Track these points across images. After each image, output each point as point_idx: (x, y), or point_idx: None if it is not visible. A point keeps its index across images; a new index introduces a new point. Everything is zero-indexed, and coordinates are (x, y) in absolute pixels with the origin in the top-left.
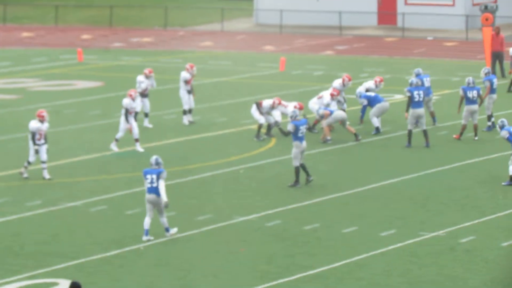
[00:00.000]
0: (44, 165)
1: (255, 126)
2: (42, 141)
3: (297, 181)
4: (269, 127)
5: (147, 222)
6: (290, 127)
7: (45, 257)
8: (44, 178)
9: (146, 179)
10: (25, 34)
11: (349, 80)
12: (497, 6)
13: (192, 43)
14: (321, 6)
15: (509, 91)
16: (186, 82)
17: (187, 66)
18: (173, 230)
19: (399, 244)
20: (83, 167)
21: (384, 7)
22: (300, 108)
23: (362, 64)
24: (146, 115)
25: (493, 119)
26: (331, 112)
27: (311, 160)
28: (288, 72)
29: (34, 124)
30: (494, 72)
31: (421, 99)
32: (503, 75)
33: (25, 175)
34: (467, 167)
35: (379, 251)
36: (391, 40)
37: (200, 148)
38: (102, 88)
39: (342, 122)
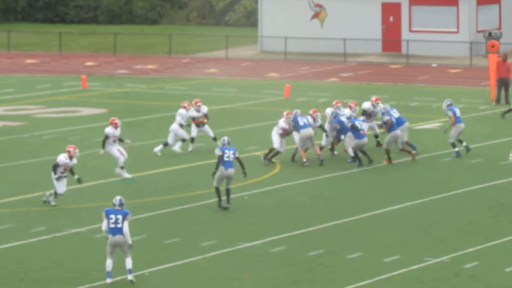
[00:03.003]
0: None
1: (259, 153)
2: (65, 174)
3: (219, 201)
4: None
5: (109, 264)
6: (217, 151)
7: (49, 283)
8: (49, 204)
9: (110, 218)
10: (29, 61)
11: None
12: (501, 33)
13: (196, 70)
14: (326, 33)
15: (502, 117)
16: (193, 119)
17: (193, 103)
18: (131, 277)
19: (403, 270)
20: (88, 193)
21: (389, 34)
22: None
23: (366, 91)
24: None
25: (464, 144)
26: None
27: (315, 186)
28: (292, 99)
29: (63, 159)
30: (499, 99)
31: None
32: (507, 102)
33: (53, 203)
34: (471, 193)
35: (383, 276)
36: (396, 67)
37: (204, 175)
38: (107, 114)
39: (311, 142)
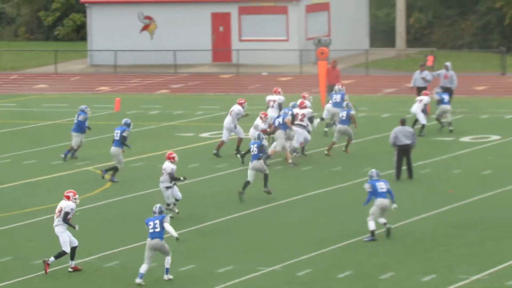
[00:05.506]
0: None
1: (92, 167)
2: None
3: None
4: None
5: (144, 267)
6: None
7: None
8: None
9: (149, 225)
10: None
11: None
12: (330, 40)
13: (25, 86)
14: (155, 45)
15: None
16: None
17: None
18: (168, 277)
19: (236, 280)
20: None
21: (218, 44)
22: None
23: (197, 102)
24: None
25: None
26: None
27: (148, 198)
28: (123, 112)
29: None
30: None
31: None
32: None
33: None
34: (305, 200)
35: (218, 287)
36: (226, 76)
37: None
38: None
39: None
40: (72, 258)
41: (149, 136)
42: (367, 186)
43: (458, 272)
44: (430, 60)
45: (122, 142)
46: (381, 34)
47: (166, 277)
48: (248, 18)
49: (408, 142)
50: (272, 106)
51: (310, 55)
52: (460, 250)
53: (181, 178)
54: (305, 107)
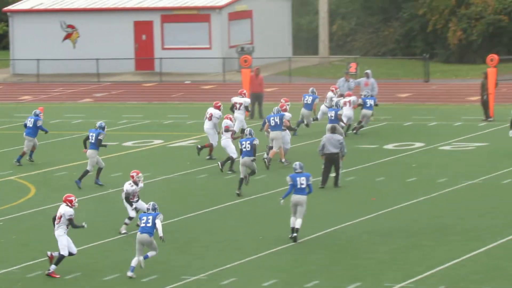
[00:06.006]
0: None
1: (15, 178)
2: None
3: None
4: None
5: (135, 260)
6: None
7: None
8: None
9: (142, 220)
10: None
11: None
12: (253, 48)
13: None
14: (78, 54)
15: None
16: None
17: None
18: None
19: None
20: None
21: (141, 53)
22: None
23: (121, 111)
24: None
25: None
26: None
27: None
28: (46, 121)
29: (129, 187)
30: (253, 113)
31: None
32: (261, 116)
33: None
34: (225, 209)
35: None
36: (149, 85)
37: None
38: None
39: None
40: (56, 263)
41: (72, 145)
42: (288, 179)
43: (383, 280)
44: (353, 67)
45: (98, 144)
46: (304, 41)
47: (138, 261)
48: (171, 26)
49: (335, 151)
50: (238, 108)
51: (233, 63)
52: (385, 258)
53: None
54: (285, 110)
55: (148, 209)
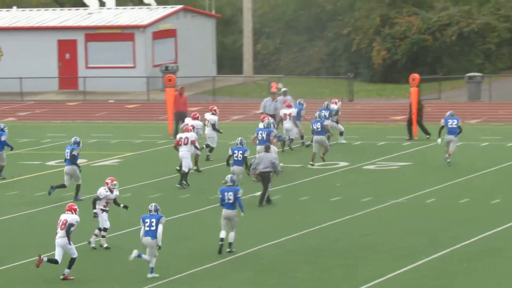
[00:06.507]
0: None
1: None
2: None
3: None
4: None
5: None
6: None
7: None
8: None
9: (145, 223)
10: None
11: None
12: (177, 67)
13: None
14: (1, 72)
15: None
16: None
17: None
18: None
19: None
20: None
21: (65, 72)
22: None
23: (44, 130)
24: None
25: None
26: None
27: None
28: None
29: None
30: (177, 132)
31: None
32: None
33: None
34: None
35: None
36: (73, 104)
37: None
38: None
39: None
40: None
41: None
42: (219, 193)
43: None
44: (274, 87)
45: (72, 160)
46: (229, 60)
47: (150, 275)
48: (95, 45)
49: (267, 169)
50: (207, 125)
51: (158, 82)
52: (309, 277)
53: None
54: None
55: (150, 210)
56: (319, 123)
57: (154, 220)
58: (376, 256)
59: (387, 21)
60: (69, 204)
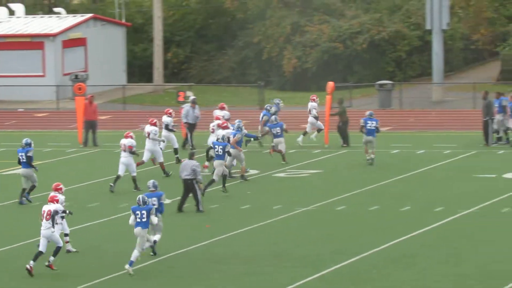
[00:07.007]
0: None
1: None
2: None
3: None
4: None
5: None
6: None
7: None
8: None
9: (136, 214)
10: None
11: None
12: (87, 75)
13: None
14: None
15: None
16: None
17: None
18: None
19: None
20: None
21: None
22: None
23: None
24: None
25: None
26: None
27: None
28: None
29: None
30: (87, 141)
31: None
32: (95, 144)
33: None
34: None
35: None
36: None
37: None
38: None
39: None
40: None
41: None
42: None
43: None
44: (181, 96)
45: (29, 162)
46: (139, 69)
47: (127, 267)
48: (4, 53)
49: (188, 177)
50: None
51: (67, 91)
52: (220, 285)
53: None
54: (226, 127)
55: (138, 203)
56: (278, 127)
57: (144, 212)
58: (286, 263)
59: (298, 29)
60: (51, 195)
